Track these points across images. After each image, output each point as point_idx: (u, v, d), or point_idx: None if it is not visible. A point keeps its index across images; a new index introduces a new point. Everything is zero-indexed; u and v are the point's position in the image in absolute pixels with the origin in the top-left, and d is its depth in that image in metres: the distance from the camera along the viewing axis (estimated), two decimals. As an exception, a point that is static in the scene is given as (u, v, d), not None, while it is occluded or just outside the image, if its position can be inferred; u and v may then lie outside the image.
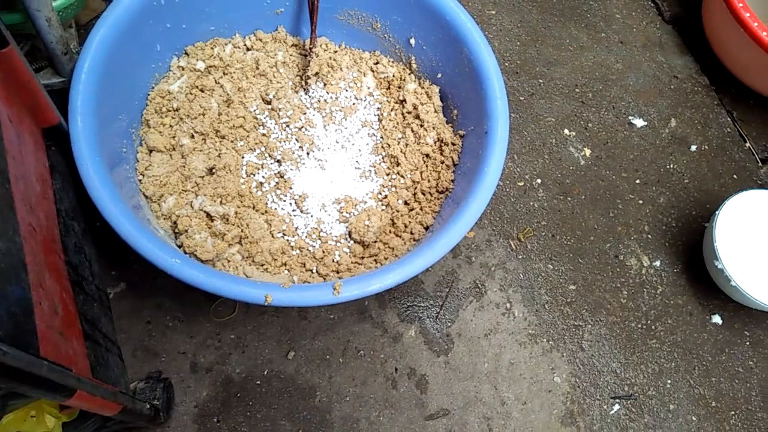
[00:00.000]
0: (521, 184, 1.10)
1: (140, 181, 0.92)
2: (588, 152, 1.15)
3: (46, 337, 0.52)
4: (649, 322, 1.01)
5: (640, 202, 1.11)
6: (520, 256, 1.03)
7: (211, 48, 1.04)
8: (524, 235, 1.05)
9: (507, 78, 1.21)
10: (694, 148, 1.18)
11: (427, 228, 0.94)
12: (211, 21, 1.03)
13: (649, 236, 1.08)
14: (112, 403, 0.60)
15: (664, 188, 1.13)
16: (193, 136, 0.97)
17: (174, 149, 0.96)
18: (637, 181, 1.13)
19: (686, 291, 1.04)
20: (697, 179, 1.15)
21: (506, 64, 1.23)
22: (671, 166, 1.15)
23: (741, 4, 1.10)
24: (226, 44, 1.06)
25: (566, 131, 1.17)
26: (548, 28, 1.28)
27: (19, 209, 0.55)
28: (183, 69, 1.01)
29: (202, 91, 1.01)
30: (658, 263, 1.05)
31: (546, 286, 1.01)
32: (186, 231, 0.88)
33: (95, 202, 0.73)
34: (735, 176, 1.16)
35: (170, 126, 0.97)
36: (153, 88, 0.99)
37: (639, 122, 1.19)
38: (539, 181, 1.11)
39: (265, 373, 0.90)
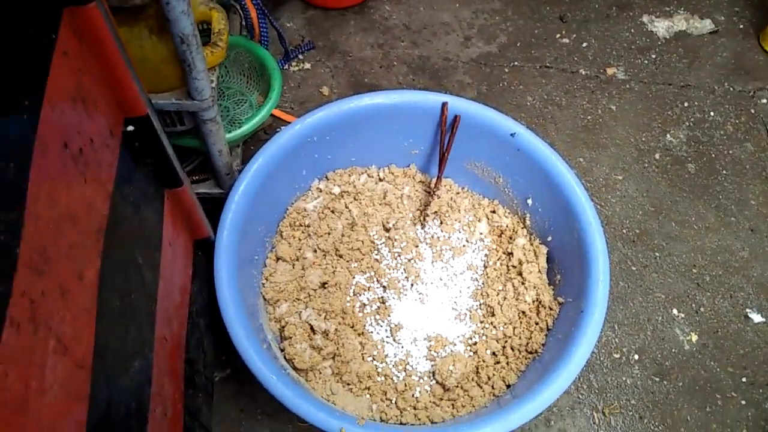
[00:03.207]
0: (617, 356, 1.10)
1: (263, 284, 1.05)
2: (695, 338, 1.12)
3: (153, 439, 0.62)
4: None
5: (743, 402, 1.05)
6: (601, 433, 1.02)
7: (349, 175, 1.18)
8: (610, 410, 1.04)
9: (622, 245, 1.23)
10: (816, 357, 1.10)
11: (508, 386, 0.97)
12: (354, 154, 1.17)
13: (748, 444, 1.01)
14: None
15: (774, 394, 1.06)
16: (315, 251, 1.10)
17: (297, 260, 1.09)
18: (744, 379, 1.07)
19: None
20: (815, 394, 1.06)
21: (624, 231, 1.25)
22: (786, 372, 1.09)
23: None
24: (361, 173, 1.19)
25: (675, 311, 1.15)
26: (675, 202, 1.29)
27: (158, 325, 0.67)
28: (321, 191, 1.16)
29: (332, 212, 1.14)
30: (753, 477, 0.98)
31: (622, 472, 0.98)
32: (290, 338, 0.98)
33: (223, 314, 0.85)
34: None
35: (299, 239, 1.11)
36: (292, 203, 1.13)
37: (757, 317, 1.14)
38: (636, 357, 1.09)
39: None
